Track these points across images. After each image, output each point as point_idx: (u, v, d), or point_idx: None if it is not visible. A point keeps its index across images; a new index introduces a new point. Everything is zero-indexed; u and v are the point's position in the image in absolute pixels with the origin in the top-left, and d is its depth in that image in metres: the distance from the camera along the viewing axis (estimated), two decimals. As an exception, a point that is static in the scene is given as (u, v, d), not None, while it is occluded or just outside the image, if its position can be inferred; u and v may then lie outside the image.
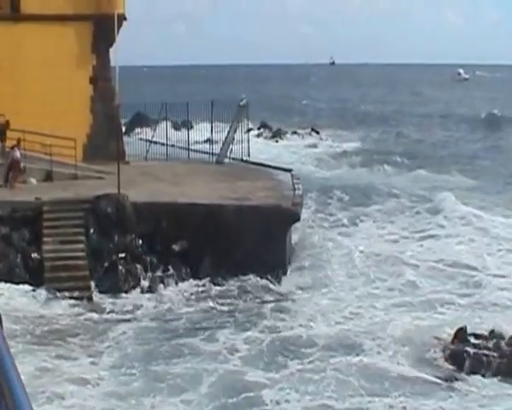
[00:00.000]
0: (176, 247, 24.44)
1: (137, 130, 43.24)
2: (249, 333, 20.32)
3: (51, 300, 22.21)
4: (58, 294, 22.45)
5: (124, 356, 18.70)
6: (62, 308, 21.82)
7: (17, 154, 27.35)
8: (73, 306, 22.07)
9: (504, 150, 55.92)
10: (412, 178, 43.06)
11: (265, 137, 59.59)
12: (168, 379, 17.38)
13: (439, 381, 17.50)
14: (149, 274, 23.99)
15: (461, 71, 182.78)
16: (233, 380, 17.36)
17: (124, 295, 23.08)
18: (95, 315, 21.60)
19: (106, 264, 23.82)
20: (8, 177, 27.47)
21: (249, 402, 16.37)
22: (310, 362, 18.38)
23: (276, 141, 59.06)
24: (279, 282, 24.29)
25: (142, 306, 22.44)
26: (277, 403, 16.36)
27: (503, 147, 58.05)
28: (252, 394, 16.64)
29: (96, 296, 22.86)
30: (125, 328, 20.65)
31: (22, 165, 27.58)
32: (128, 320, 21.35)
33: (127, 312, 22.01)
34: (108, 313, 21.90)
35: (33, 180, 28.20)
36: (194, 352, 18.98)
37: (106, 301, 22.66)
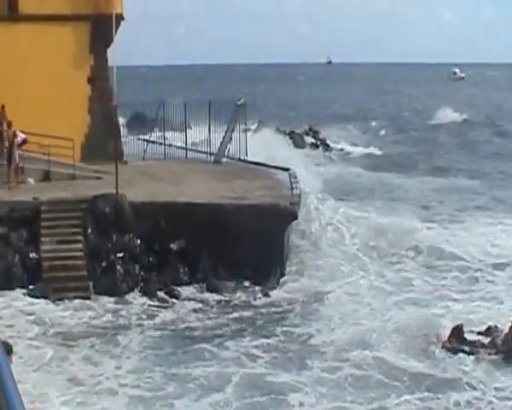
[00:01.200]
0: (174, 246, 24.44)
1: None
2: (261, 334, 20.48)
3: (55, 303, 22.19)
4: (57, 295, 22.49)
5: (142, 360, 18.61)
6: (66, 312, 21.74)
7: (19, 138, 27.53)
8: (77, 309, 21.96)
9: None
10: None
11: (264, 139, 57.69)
12: (194, 381, 17.38)
13: (446, 377, 17.70)
14: (148, 274, 24.00)
15: (456, 70, 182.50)
16: (256, 382, 17.45)
17: (126, 297, 23.01)
18: (103, 319, 21.48)
19: (104, 264, 23.81)
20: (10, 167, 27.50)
21: (274, 404, 16.50)
22: (328, 362, 18.52)
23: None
24: (277, 281, 24.35)
25: (146, 308, 22.36)
26: (301, 404, 16.48)
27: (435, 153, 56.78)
28: (276, 396, 16.77)
29: (100, 299, 22.73)
30: (134, 332, 20.55)
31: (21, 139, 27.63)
32: (136, 324, 21.22)
33: (133, 315, 21.88)
34: (114, 316, 21.78)
35: (31, 180, 28.20)
36: (212, 356, 18.99)
37: (109, 303, 22.57)
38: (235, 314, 22.14)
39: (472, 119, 77.66)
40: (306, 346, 19.66)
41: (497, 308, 22.24)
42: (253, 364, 18.52)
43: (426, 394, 16.78)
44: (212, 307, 22.66)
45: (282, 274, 24.82)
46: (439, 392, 16.89)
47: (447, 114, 79.59)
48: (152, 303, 22.75)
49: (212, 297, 23.28)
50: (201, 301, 23.00)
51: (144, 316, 21.82)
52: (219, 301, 23.07)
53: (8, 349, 10.97)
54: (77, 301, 22.28)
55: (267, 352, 19.25)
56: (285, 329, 20.86)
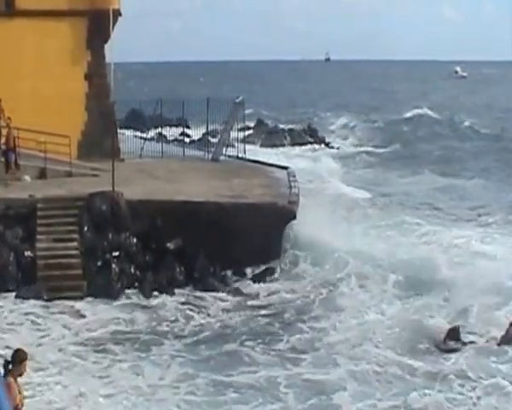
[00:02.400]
0: (171, 245, 24.21)
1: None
2: (282, 332, 20.45)
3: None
4: (51, 294, 22.24)
5: (183, 367, 18.25)
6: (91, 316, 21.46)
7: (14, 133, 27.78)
8: (101, 312, 21.72)
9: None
10: None
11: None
12: (244, 388, 17.14)
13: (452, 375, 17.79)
14: (143, 273, 23.75)
15: (458, 69, 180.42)
16: (302, 383, 17.36)
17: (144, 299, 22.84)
18: (128, 323, 21.15)
19: (99, 263, 23.53)
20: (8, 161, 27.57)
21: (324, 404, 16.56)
22: (349, 360, 18.59)
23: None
24: (277, 280, 24.21)
25: (168, 312, 22.08)
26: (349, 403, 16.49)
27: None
28: (324, 396, 16.79)
29: (121, 302, 22.57)
30: (164, 337, 20.26)
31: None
32: (163, 328, 20.91)
33: (155, 318, 21.62)
34: (138, 320, 21.42)
35: (27, 177, 27.98)
36: (249, 358, 18.84)
37: (129, 307, 22.32)
38: (244, 313, 21.97)
39: (441, 115, 77.79)
40: (326, 343, 19.63)
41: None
42: (290, 364, 18.42)
43: (439, 390, 16.99)
44: (215, 307, 22.47)
45: (281, 271, 24.62)
46: (449, 389, 17.08)
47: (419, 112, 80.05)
48: (176, 306, 22.46)
49: (214, 296, 23.11)
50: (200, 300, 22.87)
51: (170, 319, 21.53)
52: (221, 300, 22.90)
53: (22, 357, 11.07)
54: (100, 304, 22.12)
55: (295, 351, 19.23)
56: (301, 326, 20.79)
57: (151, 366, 18.27)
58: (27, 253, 23.33)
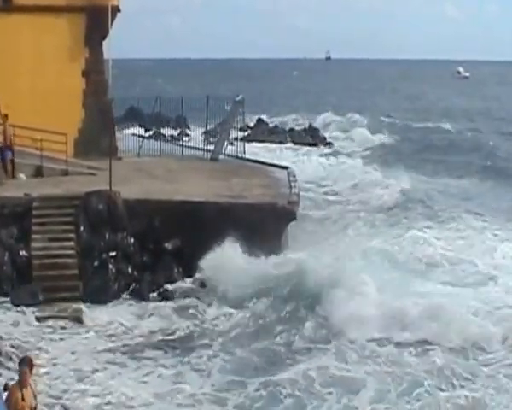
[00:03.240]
0: (169, 245, 23.91)
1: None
2: (294, 327, 20.17)
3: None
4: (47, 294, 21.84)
5: (224, 372, 17.88)
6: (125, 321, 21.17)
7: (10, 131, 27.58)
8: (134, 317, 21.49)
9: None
10: None
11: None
12: (291, 387, 16.77)
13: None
14: (141, 274, 23.42)
15: (460, 69, 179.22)
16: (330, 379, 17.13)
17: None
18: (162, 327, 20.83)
19: (96, 263, 23.18)
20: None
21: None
22: (358, 356, 18.54)
23: None
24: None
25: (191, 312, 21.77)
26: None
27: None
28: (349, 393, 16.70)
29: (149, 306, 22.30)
30: (193, 339, 19.98)
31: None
32: (190, 331, 20.61)
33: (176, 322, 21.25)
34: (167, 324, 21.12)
35: (23, 176, 27.73)
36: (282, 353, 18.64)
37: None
38: (254, 310, 21.59)
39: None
40: (339, 336, 19.47)
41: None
42: (315, 358, 18.22)
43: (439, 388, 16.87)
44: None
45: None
46: (450, 388, 16.97)
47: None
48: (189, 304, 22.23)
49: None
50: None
51: (197, 321, 21.27)
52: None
53: (22, 364, 11.31)
54: (129, 309, 21.96)
55: (312, 343, 19.13)
56: (309, 322, 20.52)
57: (192, 372, 17.89)
58: (22, 252, 23.00)
